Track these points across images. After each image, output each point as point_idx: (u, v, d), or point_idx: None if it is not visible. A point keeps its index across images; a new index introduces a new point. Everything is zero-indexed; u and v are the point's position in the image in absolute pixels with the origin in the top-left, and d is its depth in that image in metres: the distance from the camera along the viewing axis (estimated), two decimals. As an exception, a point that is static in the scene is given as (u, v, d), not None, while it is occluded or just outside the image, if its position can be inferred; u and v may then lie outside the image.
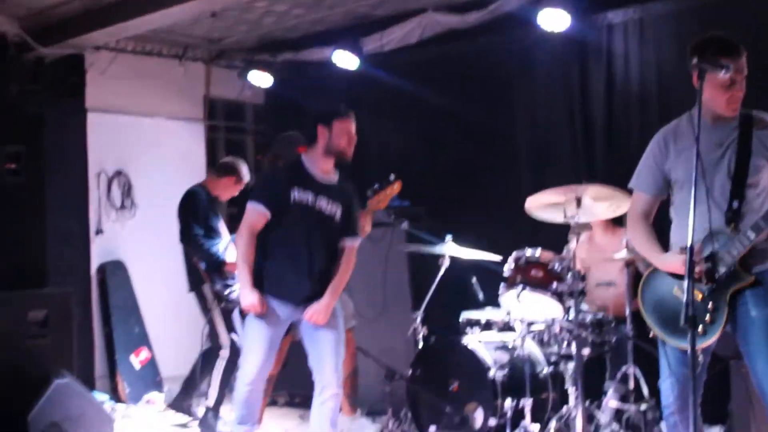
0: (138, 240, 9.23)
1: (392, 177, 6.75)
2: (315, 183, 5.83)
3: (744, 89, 4.64)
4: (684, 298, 4.11)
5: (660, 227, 4.91)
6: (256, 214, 5.74)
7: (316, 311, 5.70)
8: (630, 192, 5.23)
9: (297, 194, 5.75)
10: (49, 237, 8.29)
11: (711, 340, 4.62)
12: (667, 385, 4.87)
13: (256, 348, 5.74)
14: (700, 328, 4.58)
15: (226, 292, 7.26)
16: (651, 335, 4.94)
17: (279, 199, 5.73)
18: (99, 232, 9.13)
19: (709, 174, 4.63)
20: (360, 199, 6.48)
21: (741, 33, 6.49)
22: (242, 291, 5.73)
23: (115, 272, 9.16)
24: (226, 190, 7.68)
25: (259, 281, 5.71)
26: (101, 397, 7.95)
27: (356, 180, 7.30)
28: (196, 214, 7.37)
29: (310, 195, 5.78)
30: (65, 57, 8.75)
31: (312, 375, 5.89)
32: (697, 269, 4.52)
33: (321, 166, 5.86)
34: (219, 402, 7.44)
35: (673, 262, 4.72)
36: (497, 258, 6.86)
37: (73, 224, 8.94)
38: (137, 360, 9.02)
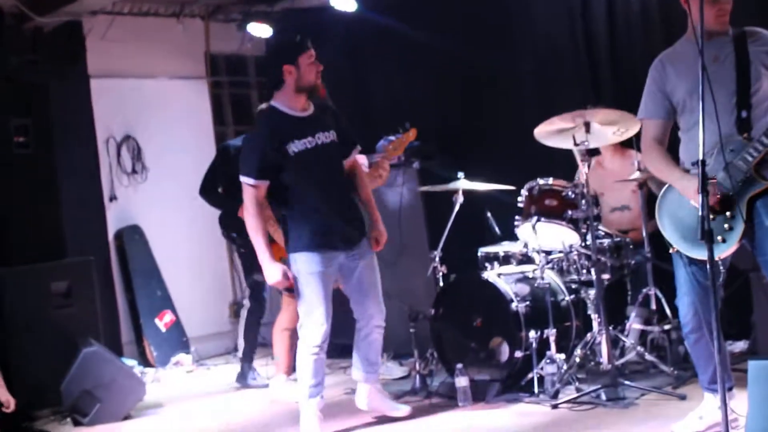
0: (152, 203, 9.25)
1: (408, 125, 6.77)
2: (305, 121, 5.74)
3: (731, 2, 4.68)
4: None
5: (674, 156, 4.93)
6: (252, 188, 5.63)
7: (380, 234, 5.93)
8: (635, 113, 5.25)
9: (295, 146, 5.64)
10: (64, 207, 8.35)
11: (732, 248, 4.66)
12: (684, 302, 4.90)
13: (315, 308, 5.66)
14: (720, 237, 4.63)
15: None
16: (671, 251, 4.97)
17: (274, 160, 5.63)
18: (113, 198, 9.15)
19: (712, 88, 4.63)
20: (374, 146, 6.53)
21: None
22: (264, 266, 5.67)
23: (132, 237, 9.19)
24: None
25: (300, 242, 5.66)
26: (130, 362, 8.01)
27: (363, 124, 7.36)
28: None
29: (309, 137, 5.69)
30: (63, 25, 8.71)
31: (355, 313, 5.97)
32: (712, 200, 4.54)
33: (298, 105, 5.75)
34: (248, 353, 7.51)
35: (688, 188, 4.71)
36: (511, 189, 6.87)
37: (86, 192, 8.95)
38: (162, 323, 9.08)
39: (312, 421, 5.79)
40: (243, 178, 5.66)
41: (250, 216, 5.65)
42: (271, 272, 5.64)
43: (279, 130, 5.68)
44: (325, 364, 5.88)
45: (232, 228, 7.54)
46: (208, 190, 7.59)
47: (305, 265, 5.65)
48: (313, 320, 5.66)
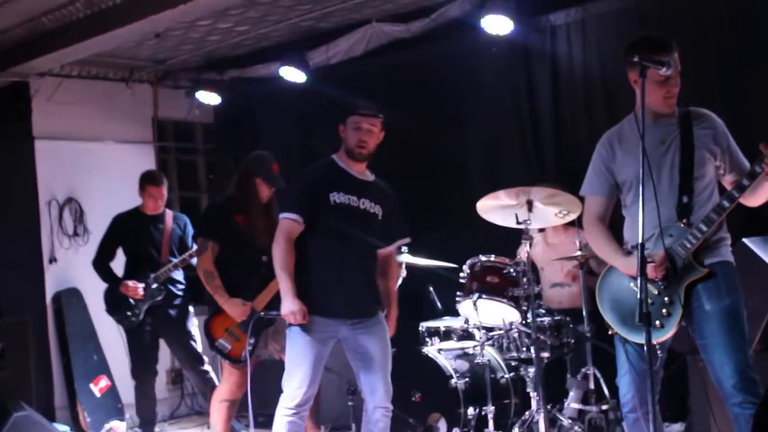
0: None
1: None
2: (356, 182, 5.64)
3: (679, 85, 4.71)
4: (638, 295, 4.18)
5: (617, 231, 4.95)
6: (290, 223, 5.54)
7: (393, 322, 5.78)
8: (580, 197, 5.28)
9: (337, 197, 5.54)
10: (2, 266, 8.24)
11: (669, 333, 4.66)
12: (624, 381, 4.89)
13: (295, 370, 5.48)
14: (658, 322, 4.64)
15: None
16: (610, 332, 4.98)
17: (313, 202, 5.55)
18: (52, 260, 9.06)
19: (655, 170, 4.68)
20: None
21: (680, 30, 6.64)
22: (284, 300, 5.51)
23: (70, 300, 9.08)
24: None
25: (302, 296, 5.48)
26: (62, 428, 7.89)
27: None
28: None
29: (354, 196, 5.60)
30: (9, 85, 8.69)
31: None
32: (655, 273, 4.57)
33: (353, 167, 5.68)
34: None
35: (632, 266, 4.74)
36: (452, 266, 6.87)
37: (25, 253, 8.87)
38: (97, 388, 8.94)
39: None
40: (282, 213, 5.61)
41: (279, 250, 5.54)
42: (289, 306, 5.45)
43: (329, 177, 5.63)
44: (301, 430, 5.62)
45: (117, 310, 7.64)
46: (98, 263, 7.75)
47: (297, 326, 5.51)
48: (291, 382, 5.49)
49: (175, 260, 7.53)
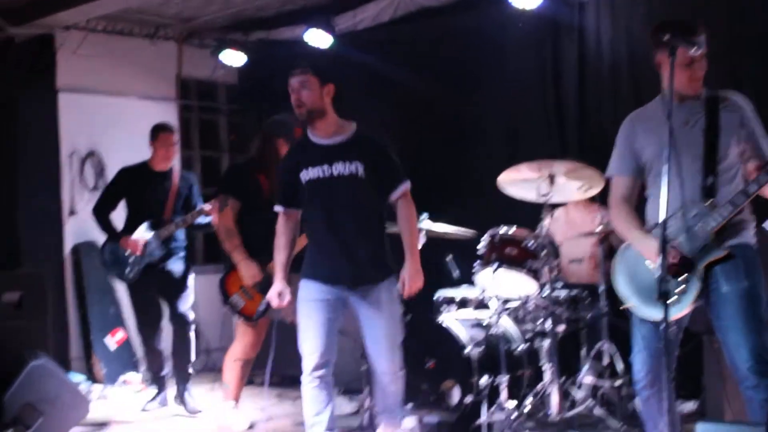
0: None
1: None
2: (323, 149, 5.45)
3: (705, 68, 4.69)
4: (657, 272, 4.20)
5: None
6: (280, 215, 5.61)
7: (408, 278, 5.44)
8: (603, 171, 5.29)
9: (306, 174, 5.46)
10: (22, 218, 8.30)
11: (684, 311, 4.67)
12: (638, 359, 4.92)
13: (306, 338, 5.48)
14: (673, 299, 4.65)
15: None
16: (622, 308, 5.00)
17: (293, 187, 5.52)
18: (72, 212, 9.10)
19: (682, 150, 4.68)
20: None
21: (710, 12, 6.61)
22: (274, 281, 5.64)
23: (89, 253, 9.11)
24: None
25: (304, 269, 5.55)
26: (77, 378, 7.95)
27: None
28: None
29: (323, 166, 5.42)
30: (35, 37, 8.70)
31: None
32: (671, 257, 4.58)
33: (317, 132, 5.49)
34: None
35: (649, 246, 4.76)
36: (472, 232, 6.89)
37: (46, 205, 8.91)
38: (113, 340, 9.00)
39: None
40: (276, 207, 5.66)
41: (276, 237, 5.64)
42: (272, 289, 5.59)
43: (300, 155, 5.55)
44: (324, 397, 5.55)
45: (114, 265, 7.63)
46: (98, 212, 7.71)
47: (302, 292, 5.52)
48: (304, 350, 5.50)
49: (178, 219, 7.48)
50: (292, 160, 5.59)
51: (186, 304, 7.59)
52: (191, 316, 7.63)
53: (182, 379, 7.49)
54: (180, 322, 7.55)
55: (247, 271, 6.59)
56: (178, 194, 7.63)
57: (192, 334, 7.60)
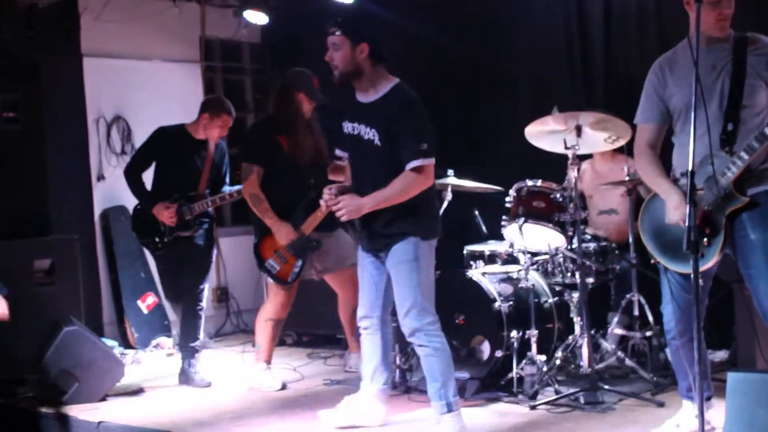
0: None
1: None
2: (357, 107, 5.46)
3: (732, 7, 4.65)
4: (684, 223, 4.17)
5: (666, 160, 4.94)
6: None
7: (346, 199, 5.36)
8: (630, 122, 5.25)
9: (346, 126, 5.50)
10: (51, 184, 8.34)
11: (710, 263, 4.68)
12: (668, 310, 4.93)
13: (359, 289, 5.76)
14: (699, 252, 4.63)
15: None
16: (652, 261, 5.00)
17: (339, 137, 5.60)
18: (101, 177, 9.13)
19: (709, 96, 4.64)
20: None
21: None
22: None
23: (118, 218, 9.16)
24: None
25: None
26: (110, 343, 8.01)
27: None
28: None
29: (354, 124, 5.46)
30: (58, 2, 8.69)
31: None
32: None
33: (357, 90, 5.46)
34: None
35: (674, 198, 4.72)
36: (499, 188, 6.88)
37: (74, 171, 8.94)
38: (144, 305, 9.07)
39: (370, 405, 5.77)
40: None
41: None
42: None
43: (347, 106, 5.56)
44: (369, 346, 5.72)
45: (144, 232, 7.49)
46: (131, 172, 7.47)
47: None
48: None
49: (209, 199, 7.31)
50: (339, 107, 5.65)
51: (204, 281, 7.40)
52: (205, 293, 7.46)
53: (187, 355, 7.35)
54: (192, 297, 7.34)
55: (281, 232, 6.61)
56: (212, 165, 7.45)
57: (202, 312, 7.44)
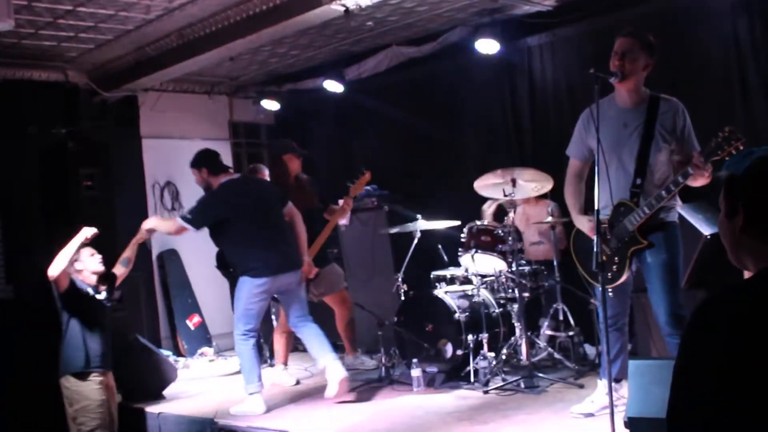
0: (187, 233, 9.14)
1: (362, 169, 6.88)
2: None
3: (629, 67, 4.52)
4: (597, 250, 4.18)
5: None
6: None
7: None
8: (549, 173, 5.26)
9: None
10: (120, 234, 8.30)
11: (618, 282, 4.65)
12: (600, 312, 4.91)
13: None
14: (609, 275, 4.62)
15: None
16: (584, 280, 4.94)
17: None
18: (156, 228, 9.11)
19: (620, 149, 4.55)
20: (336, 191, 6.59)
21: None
22: None
23: (171, 258, 9.15)
24: None
25: None
26: (166, 352, 7.95)
27: (346, 176, 7.37)
28: None
29: None
30: (123, 98, 8.74)
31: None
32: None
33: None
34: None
35: (583, 225, 4.75)
36: (456, 224, 6.88)
37: (136, 224, 8.84)
38: (191, 323, 9.03)
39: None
40: None
41: None
42: None
43: None
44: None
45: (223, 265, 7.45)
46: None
47: None
48: None
49: None
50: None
51: None
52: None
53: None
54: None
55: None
56: None
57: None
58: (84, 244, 5.46)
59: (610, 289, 4.64)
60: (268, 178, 7.63)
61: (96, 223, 7.87)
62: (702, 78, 6.44)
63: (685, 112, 4.60)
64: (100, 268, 5.59)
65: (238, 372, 7.39)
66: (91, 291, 5.55)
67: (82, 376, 5.33)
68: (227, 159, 9.89)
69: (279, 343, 7.01)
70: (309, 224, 6.42)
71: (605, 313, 4.37)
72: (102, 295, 5.56)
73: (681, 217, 5.23)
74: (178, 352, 8.82)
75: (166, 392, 6.87)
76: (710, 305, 1.67)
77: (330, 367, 5.88)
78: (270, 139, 10.43)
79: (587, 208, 4.83)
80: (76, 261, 5.47)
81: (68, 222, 7.68)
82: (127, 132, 9.00)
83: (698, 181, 4.34)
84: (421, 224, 6.81)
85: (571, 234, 5.01)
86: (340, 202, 6.95)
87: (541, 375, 5.96)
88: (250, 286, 5.93)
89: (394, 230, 7.10)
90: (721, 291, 1.67)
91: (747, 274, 1.75)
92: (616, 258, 4.62)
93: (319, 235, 6.73)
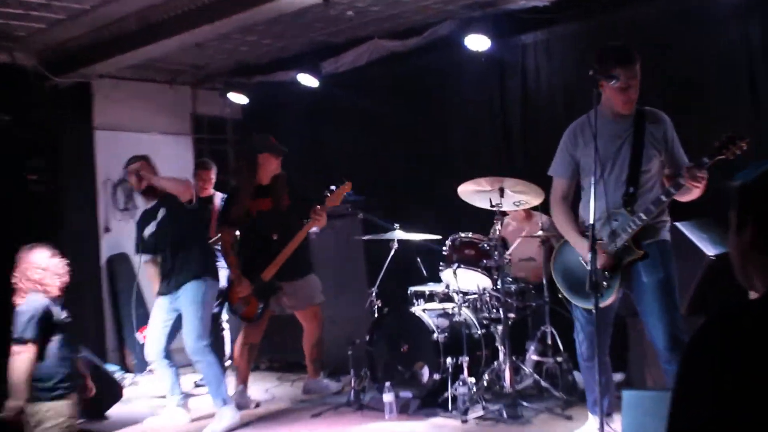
0: (140, 236, 9.13)
1: (344, 179, 6.72)
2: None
3: (638, 92, 4.64)
4: (588, 267, 4.17)
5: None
6: None
7: None
8: (540, 185, 5.25)
9: None
10: (66, 235, 8.23)
11: (608, 301, 4.66)
12: (579, 338, 4.94)
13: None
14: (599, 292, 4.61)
15: None
16: (560, 296, 4.99)
17: None
18: (107, 230, 9.05)
19: (609, 162, 4.65)
20: (315, 199, 6.54)
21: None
22: None
23: (121, 263, 9.04)
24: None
25: None
26: (112, 367, 7.86)
27: (318, 178, 7.32)
28: None
29: None
30: (75, 84, 8.65)
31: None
32: (601, 261, 4.53)
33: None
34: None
35: (582, 247, 4.73)
36: (437, 238, 6.84)
37: (85, 224, 8.86)
38: (141, 336, 8.87)
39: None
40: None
41: None
42: None
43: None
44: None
45: None
46: None
47: None
48: None
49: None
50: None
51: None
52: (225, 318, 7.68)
53: None
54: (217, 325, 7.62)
55: (237, 286, 6.58)
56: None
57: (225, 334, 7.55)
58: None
59: (604, 309, 4.65)
60: (214, 178, 7.76)
61: (41, 221, 7.89)
62: (710, 80, 6.48)
63: (671, 124, 4.73)
64: (65, 276, 5.02)
65: (196, 391, 7.36)
66: (55, 311, 4.95)
67: (58, 398, 5.09)
68: (188, 155, 9.84)
69: (240, 356, 6.89)
70: (287, 229, 6.51)
71: (600, 340, 4.40)
72: (64, 314, 5.02)
73: (680, 235, 5.25)
74: (125, 368, 8.69)
75: (109, 412, 6.76)
76: (713, 325, 1.67)
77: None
78: (236, 134, 10.37)
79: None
80: (31, 268, 4.91)
81: (9, 220, 7.59)
82: (79, 122, 8.91)
83: (691, 194, 4.47)
84: (399, 234, 6.76)
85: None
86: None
87: (525, 404, 5.92)
88: (213, 291, 6.28)
89: (368, 237, 7.06)
90: (724, 310, 1.67)
91: (753, 296, 1.74)
92: (607, 273, 4.62)
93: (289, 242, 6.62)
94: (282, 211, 6.64)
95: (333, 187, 6.65)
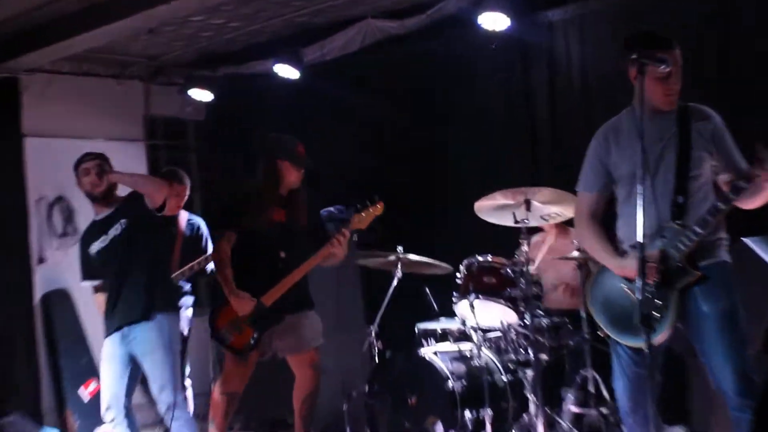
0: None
1: (375, 197, 6.48)
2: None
3: (680, 82, 4.68)
4: (634, 296, 4.17)
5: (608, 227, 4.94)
6: None
7: None
8: (575, 193, 5.26)
9: None
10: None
11: (660, 336, 4.64)
12: (619, 385, 4.91)
13: None
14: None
15: None
16: (601, 334, 4.98)
17: None
18: (41, 260, 9.03)
19: (652, 169, 4.66)
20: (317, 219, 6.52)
21: (669, 29, 6.63)
22: None
23: (59, 301, 9.03)
24: None
25: None
26: (50, 432, 7.87)
27: (306, 190, 7.33)
28: None
29: None
30: (0, 80, 8.67)
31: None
32: (651, 274, 4.54)
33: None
34: None
35: (630, 267, 4.73)
36: (448, 266, 6.85)
37: (13, 253, 8.84)
38: (86, 392, 8.88)
39: None
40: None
41: None
42: None
43: None
44: None
45: None
46: None
47: None
48: None
49: (185, 268, 7.31)
50: None
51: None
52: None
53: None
54: None
55: (239, 303, 6.41)
56: (184, 240, 7.47)
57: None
58: None
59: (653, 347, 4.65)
60: (188, 191, 7.57)
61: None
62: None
63: (721, 121, 4.76)
64: None
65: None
66: None
67: None
68: (141, 165, 9.86)
69: (216, 407, 6.81)
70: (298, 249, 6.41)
71: (652, 385, 4.38)
72: None
73: (745, 255, 5.26)
74: (66, 432, 8.68)
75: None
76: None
77: None
78: (199, 139, 10.39)
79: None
80: None
81: None
82: (4, 127, 8.94)
83: (757, 200, 4.49)
84: (403, 259, 6.77)
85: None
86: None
87: (563, 466, 5.93)
88: (176, 327, 6.43)
89: (364, 262, 7.07)
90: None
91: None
92: (658, 301, 4.62)
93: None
94: (296, 229, 6.54)
95: (359, 206, 6.50)
